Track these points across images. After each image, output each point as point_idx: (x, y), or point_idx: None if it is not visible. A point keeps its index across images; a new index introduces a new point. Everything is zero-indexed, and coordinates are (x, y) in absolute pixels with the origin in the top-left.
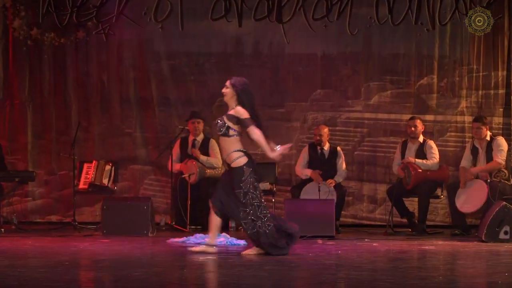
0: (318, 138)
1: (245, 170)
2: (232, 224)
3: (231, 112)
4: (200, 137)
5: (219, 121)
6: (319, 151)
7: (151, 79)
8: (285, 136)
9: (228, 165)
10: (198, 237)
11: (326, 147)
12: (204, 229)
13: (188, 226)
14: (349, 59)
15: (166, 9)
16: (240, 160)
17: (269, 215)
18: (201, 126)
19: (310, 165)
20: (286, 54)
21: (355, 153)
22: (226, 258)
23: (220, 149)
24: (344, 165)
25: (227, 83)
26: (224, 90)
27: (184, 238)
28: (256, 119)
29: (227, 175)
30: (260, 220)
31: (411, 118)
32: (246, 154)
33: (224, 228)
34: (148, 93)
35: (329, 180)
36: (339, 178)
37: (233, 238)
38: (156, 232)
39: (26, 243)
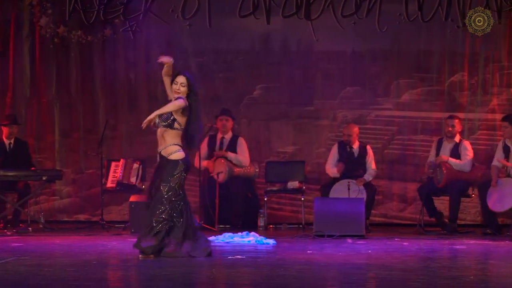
0: (347, 137)
1: (179, 165)
2: (261, 223)
3: None
4: (229, 135)
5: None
6: (349, 149)
7: None
8: (314, 134)
9: (163, 157)
10: (226, 236)
11: (356, 145)
12: (233, 228)
13: (216, 225)
14: (379, 57)
15: (193, 6)
16: (178, 154)
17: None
18: (229, 123)
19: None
20: (314, 51)
21: (385, 151)
22: (255, 258)
23: (158, 141)
24: (373, 164)
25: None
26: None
27: (212, 237)
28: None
29: (160, 168)
30: (170, 223)
31: (450, 117)
32: (184, 150)
33: (253, 227)
34: None
35: (358, 180)
36: (368, 176)
37: (262, 237)
38: None
39: (54, 242)
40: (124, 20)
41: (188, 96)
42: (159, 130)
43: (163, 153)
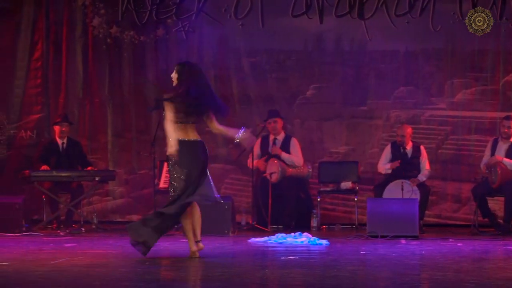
0: (400, 138)
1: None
2: (314, 223)
3: None
4: (281, 136)
5: None
6: (402, 150)
7: (231, 76)
8: (367, 134)
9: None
10: (279, 237)
11: (409, 146)
12: (286, 228)
13: (269, 226)
14: (432, 56)
15: (246, 6)
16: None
17: None
18: (279, 124)
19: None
20: (368, 51)
21: (439, 151)
22: (308, 258)
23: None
24: (427, 164)
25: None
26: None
27: (265, 238)
28: None
29: None
30: None
31: (506, 118)
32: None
33: (306, 228)
34: (228, 90)
35: (412, 180)
36: (422, 177)
37: (315, 237)
38: (237, 231)
39: (107, 242)
40: (176, 20)
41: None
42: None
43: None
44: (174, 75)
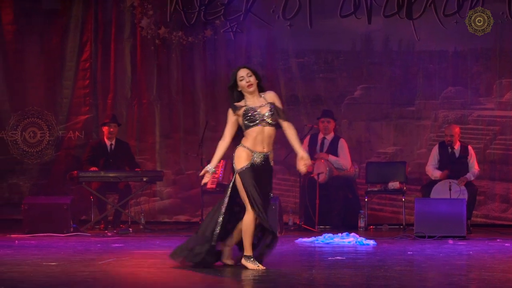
0: (449, 138)
1: None
2: (361, 224)
3: (271, 99)
4: (330, 136)
5: (270, 108)
6: (450, 150)
7: (279, 77)
8: (415, 134)
9: (267, 161)
10: (326, 237)
11: (457, 146)
12: (333, 228)
13: (316, 226)
14: (481, 56)
15: (294, 7)
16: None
17: None
18: (331, 125)
19: (441, 164)
20: (416, 51)
21: (487, 151)
22: (355, 259)
23: (263, 140)
24: (476, 164)
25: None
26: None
27: (312, 238)
28: None
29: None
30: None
31: None
32: None
33: (353, 228)
34: (276, 91)
35: (460, 179)
36: (470, 176)
37: (362, 238)
38: (285, 231)
39: (154, 243)
40: (224, 20)
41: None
42: (266, 129)
43: (269, 157)
44: (253, 79)
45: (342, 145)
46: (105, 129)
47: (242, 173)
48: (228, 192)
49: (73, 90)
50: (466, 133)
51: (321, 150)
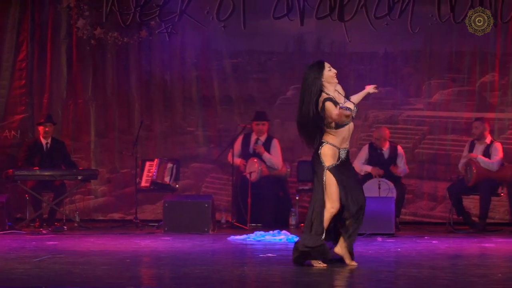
0: (375, 140)
1: None
2: (292, 221)
3: (342, 90)
4: (263, 137)
5: (349, 105)
6: (379, 151)
7: (213, 77)
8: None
9: (348, 157)
10: (258, 235)
11: (386, 147)
12: (265, 226)
13: (248, 224)
14: (411, 57)
15: (228, 8)
16: None
17: None
18: (265, 127)
19: (370, 163)
20: (347, 52)
21: (416, 151)
22: (286, 256)
23: (345, 138)
24: (405, 164)
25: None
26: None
27: (244, 236)
28: None
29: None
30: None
31: (475, 119)
32: None
33: (284, 226)
34: (210, 91)
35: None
36: (402, 171)
37: (293, 235)
38: (217, 229)
39: (88, 240)
40: (159, 22)
41: None
42: (351, 125)
43: (347, 153)
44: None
45: (275, 145)
46: (40, 128)
47: (331, 170)
48: (324, 189)
49: (9, 90)
50: (396, 132)
51: (254, 150)
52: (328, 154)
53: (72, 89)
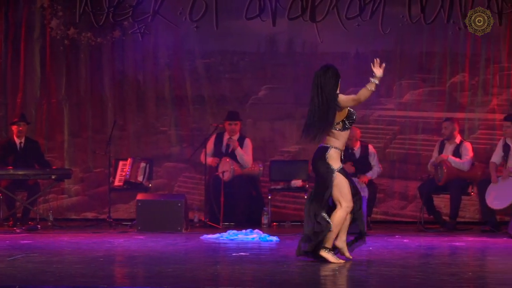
0: (348, 142)
1: None
2: (264, 220)
3: None
4: (236, 136)
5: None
6: (350, 151)
7: (186, 77)
8: None
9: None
10: (231, 234)
11: (357, 147)
12: (237, 225)
13: (221, 223)
14: (382, 58)
15: (201, 9)
16: None
17: None
18: (237, 127)
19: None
20: (319, 53)
21: (387, 150)
22: (258, 255)
23: (347, 140)
24: (377, 163)
25: None
26: None
27: (217, 235)
28: None
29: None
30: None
31: (445, 120)
32: None
33: (257, 224)
34: (183, 91)
35: (362, 177)
36: (373, 174)
37: (266, 234)
38: (190, 228)
39: (62, 239)
40: (133, 22)
41: None
42: (349, 130)
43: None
44: None
45: (247, 144)
46: (14, 127)
47: (340, 172)
48: (331, 189)
49: None
50: (368, 132)
51: (227, 150)
52: (334, 157)
53: (46, 88)
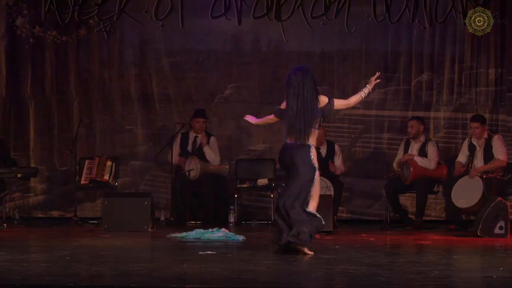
0: None
1: None
2: (231, 219)
3: None
4: (202, 134)
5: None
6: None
7: (151, 76)
8: (283, 133)
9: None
10: (197, 232)
11: (323, 146)
12: (204, 224)
13: (188, 221)
14: (347, 57)
15: (166, 7)
16: None
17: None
18: (204, 125)
19: None
20: (284, 51)
21: (352, 149)
22: (225, 253)
23: (316, 139)
24: (341, 161)
25: None
26: None
27: (184, 233)
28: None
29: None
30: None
31: (410, 119)
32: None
33: (224, 223)
34: (149, 90)
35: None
36: (338, 169)
37: (232, 233)
38: (156, 227)
39: (28, 238)
40: (98, 20)
41: None
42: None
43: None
44: None
45: (213, 141)
46: None
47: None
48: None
49: None
50: (333, 131)
51: (193, 148)
52: (315, 155)
53: (11, 87)
